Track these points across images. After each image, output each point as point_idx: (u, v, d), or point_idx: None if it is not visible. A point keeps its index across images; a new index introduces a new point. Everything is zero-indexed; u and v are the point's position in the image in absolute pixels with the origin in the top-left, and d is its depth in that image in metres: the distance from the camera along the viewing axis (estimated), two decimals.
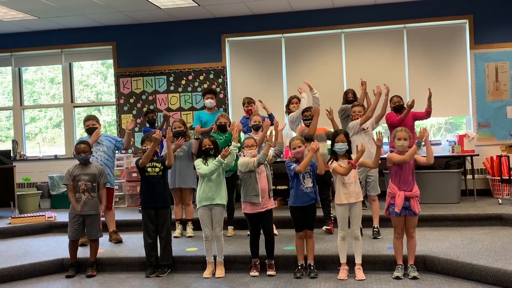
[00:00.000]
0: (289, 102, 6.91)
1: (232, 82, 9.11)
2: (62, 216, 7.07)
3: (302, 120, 6.28)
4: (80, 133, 9.81)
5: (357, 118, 6.03)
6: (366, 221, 5.87)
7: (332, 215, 6.18)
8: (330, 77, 8.73)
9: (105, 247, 5.95)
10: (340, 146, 4.84)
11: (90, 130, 6.29)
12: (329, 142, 6.40)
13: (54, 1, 7.77)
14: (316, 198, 4.94)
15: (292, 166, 4.90)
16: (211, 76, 9.08)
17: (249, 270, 5.14)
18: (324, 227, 6.14)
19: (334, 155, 4.92)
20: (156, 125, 7.89)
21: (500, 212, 6.44)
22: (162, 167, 5.35)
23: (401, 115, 6.98)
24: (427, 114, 7.14)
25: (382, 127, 7.87)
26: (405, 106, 7.08)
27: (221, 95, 8.93)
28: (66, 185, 5.46)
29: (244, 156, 5.09)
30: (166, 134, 5.44)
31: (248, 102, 6.95)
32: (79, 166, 5.44)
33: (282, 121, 8.30)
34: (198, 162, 5.22)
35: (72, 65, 9.84)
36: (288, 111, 6.85)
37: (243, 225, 5.92)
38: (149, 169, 5.31)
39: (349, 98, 7.12)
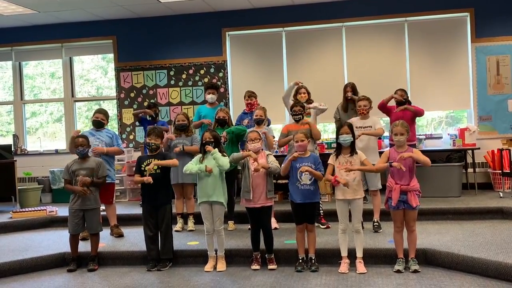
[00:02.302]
0: (297, 92, 6.90)
1: (232, 76, 9.09)
2: (63, 211, 7.07)
3: (291, 115, 6.22)
4: (80, 127, 9.81)
5: (363, 113, 6.00)
6: (368, 215, 5.88)
7: (321, 212, 6.21)
8: (330, 70, 8.72)
9: (107, 241, 5.96)
10: (345, 138, 4.84)
11: (96, 123, 6.31)
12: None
13: None
14: (313, 197, 4.92)
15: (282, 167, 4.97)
16: (212, 70, 9.07)
17: (250, 263, 5.14)
18: (321, 227, 6.15)
19: (338, 147, 4.92)
20: (158, 118, 7.87)
21: (501, 205, 6.44)
22: (159, 166, 5.29)
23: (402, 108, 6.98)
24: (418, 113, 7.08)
25: (383, 121, 7.86)
26: (409, 100, 7.09)
27: (222, 89, 8.92)
28: (64, 179, 5.48)
29: (247, 150, 5.13)
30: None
31: (249, 96, 6.94)
32: (78, 161, 5.44)
33: (282, 117, 8.32)
34: (193, 161, 5.23)
35: (73, 59, 9.83)
36: (296, 102, 6.83)
37: (244, 219, 5.92)
38: (147, 168, 5.28)
39: (348, 91, 7.10)
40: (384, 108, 7.06)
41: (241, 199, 5.17)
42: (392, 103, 7.16)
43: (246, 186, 5.02)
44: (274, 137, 6.60)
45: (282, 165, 4.97)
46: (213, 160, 5.15)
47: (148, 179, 5.16)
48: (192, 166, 5.15)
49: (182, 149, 6.19)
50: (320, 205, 6.23)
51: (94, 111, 6.46)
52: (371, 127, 5.98)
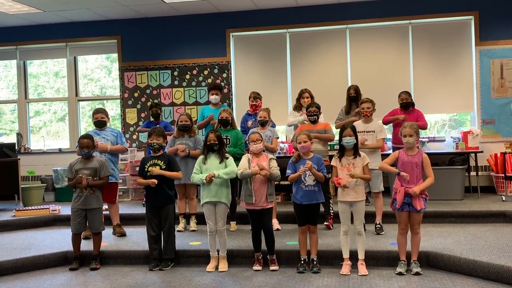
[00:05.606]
0: (300, 96, 6.93)
1: (236, 77, 9.10)
2: (66, 209, 7.08)
3: (306, 116, 6.28)
4: (84, 127, 9.84)
5: (366, 116, 6.00)
6: (370, 217, 5.88)
7: (332, 211, 6.20)
8: (334, 72, 8.72)
9: (109, 241, 5.98)
10: (348, 140, 4.84)
11: (98, 123, 6.32)
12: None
13: None
14: (318, 197, 4.92)
15: (287, 173, 4.96)
16: (216, 70, 9.09)
17: (252, 264, 5.15)
18: (324, 223, 6.15)
19: (341, 149, 4.93)
20: (161, 119, 7.90)
21: (503, 209, 6.43)
22: (165, 166, 5.31)
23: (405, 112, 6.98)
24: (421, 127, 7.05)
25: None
26: (413, 102, 7.09)
27: (225, 90, 8.93)
28: (67, 178, 5.50)
29: (250, 151, 5.15)
30: None
31: (254, 97, 6.96)
32: (81, 160, 5.44)
33: (285, 119, 8.31)
34: (197, 165, 5.26)
35: (77, 59, 9.86)
36: (299, 106, 6.89)
37: (246, 220, 5.91)
38: (150, 168, 5.30)
39: (351, 94, 7.11)
40: (388, 122, 7.06)
41: (241, 201, 5.18)
42: (396, 105, 7.15)
43: (248, 190, 5.02)
44: (278, 138, 6.61)
45: (288, 170, 4.96)
46: (216, 160, 5.17)
47: (154, 182, 5.19)
48: (197, 177, 5.18)
49: (188, 153, 6.21)
50: (331, 205, 6.22)
51: (92, 112, 6.45)
52: (374, 131, 5.96)
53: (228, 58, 9.06)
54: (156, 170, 5.25)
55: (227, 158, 5.24)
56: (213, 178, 5.06)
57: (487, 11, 8.23)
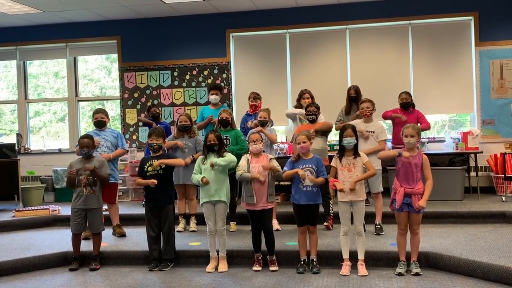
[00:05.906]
0: (300, 97, 6.92)
1: (236, 78, 9.10)
2: (66, 210, 7.09)
3: (305, 115, 6.28)
4: (84, 127, 9.84)
5: (366, 115, 6.00)
6: (370, 217, 5.88)
7: (331, 212, 6.19)
8: (334, 73, 8.72)
9: (109, 241, 5.98)
10: (348, 141, 4.85)
11: (98, 123, 6.32)
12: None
13: None
14: (317, 198, 4.92)
15: (284, 170, 4.98)
16: (215, 71, 9.09)
17: (252, 264, 5.15)
18: (324, 224, 6.15)
19: (341, 150, 4.93)
20: (161, 119, 7.90)
21: (503, 209, 6.43)
22: (164, 165, 5.32)
23: (405, 112, 7.00)
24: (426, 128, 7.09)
25: (386, 123, 7.87)
26: (413, 103, 7.11)
27: (225, 91, 8.93)
28: (67, 177, 5.49)
29: (250, 152, 5.16)
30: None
31: (254, 98, 6.95)
32: (81, 160, 5.45)
33: (285, 119, 8.33)
34: (196, 166, 5.28)
35: (77, 59, 9.86)
36: (299, 106, 6.89)
37: (246, 220, 5.92)
38: (149, 168, 5.30)
39: (351, 94, 7.10)
40: (389, 118, 7.09)
41: (241, 202, 5.18)
42: (396, 105, 7.16)
43: (249, 190, 5.02)
44: (276, 135, 6.61)
45: (285, 168, 4.98)
46: (215, 160, 5.18)
47: (153, 182, 5.19)
48: (195, 177, 5.20)
49: (192, 158, 6.23)
50: (331, 205, 6.22)
51: (92, 113, 6.46)
52: (373, 132, 5.96)
53: (228, 58, 9.07)
54: (156, 162, 5.26)
55: (224, 157, 5.25)
56: (208, 180, 5.09)
57: (487, 12, 8.24)
